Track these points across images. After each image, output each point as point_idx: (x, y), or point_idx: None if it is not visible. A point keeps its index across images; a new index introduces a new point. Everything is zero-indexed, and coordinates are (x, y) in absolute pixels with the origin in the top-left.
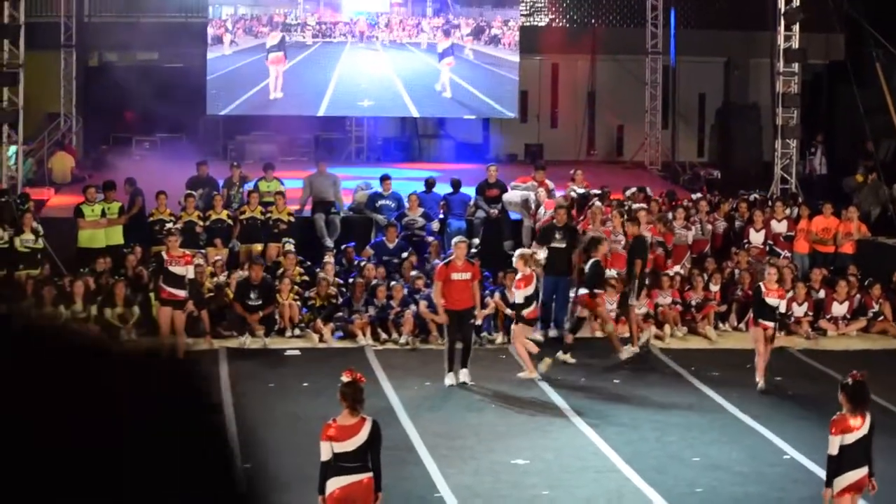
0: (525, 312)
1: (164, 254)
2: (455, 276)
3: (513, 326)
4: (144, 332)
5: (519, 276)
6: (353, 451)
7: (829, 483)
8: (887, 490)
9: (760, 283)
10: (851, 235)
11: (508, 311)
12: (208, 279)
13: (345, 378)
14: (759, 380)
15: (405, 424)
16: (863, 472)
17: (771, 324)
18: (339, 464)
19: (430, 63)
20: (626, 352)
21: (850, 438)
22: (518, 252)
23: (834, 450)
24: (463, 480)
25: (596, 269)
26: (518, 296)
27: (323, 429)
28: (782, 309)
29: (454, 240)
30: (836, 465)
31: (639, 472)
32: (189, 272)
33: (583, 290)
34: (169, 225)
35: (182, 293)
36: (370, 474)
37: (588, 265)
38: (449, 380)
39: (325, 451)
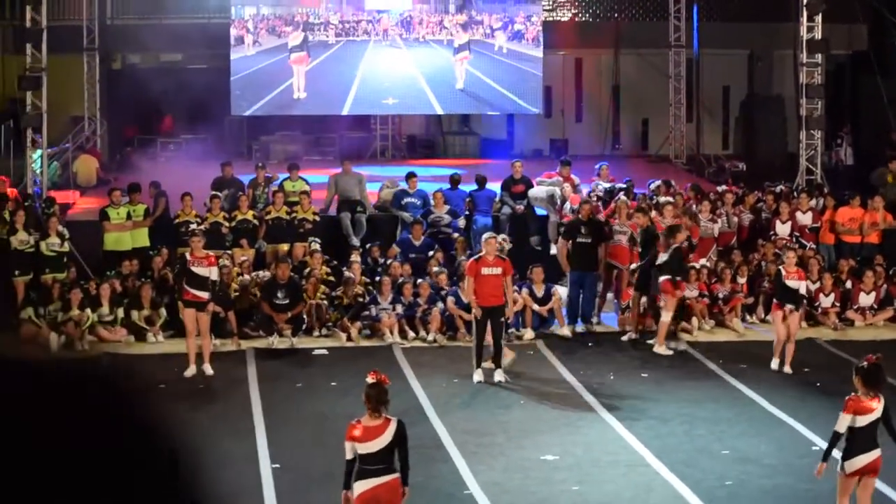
0: None
1: (187, 255)
2: (485, 270)
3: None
4: (171, 335)
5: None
6: (378, 451)
7: (825, 458)
8: None
9: (780, 268)
10: (877, 225)
11: (536, 307)
12: (235, 279)
13: (369, 379)
14: (775, 361)
15: (434, 422)
16: (875, 454)
17: (792, 306)
18: (364, 466)
19: (451, 59)
20: (663, 348)
21: (862, 421)
22: (486, 235)
23: (840, 427)
24: (492, 477)
25: (677, 256)
26: None
27: (348, 429)
28: (803, 291)
29: (484, 235)
30: (846, 446)
31: (668, 465)
32: (213, 273)
33: (664, 277)
34: (193, 226)
35: (205, 294)
36: (396, 475)
37: (668, 252)
38: (477, 376)
39: (349, 450)
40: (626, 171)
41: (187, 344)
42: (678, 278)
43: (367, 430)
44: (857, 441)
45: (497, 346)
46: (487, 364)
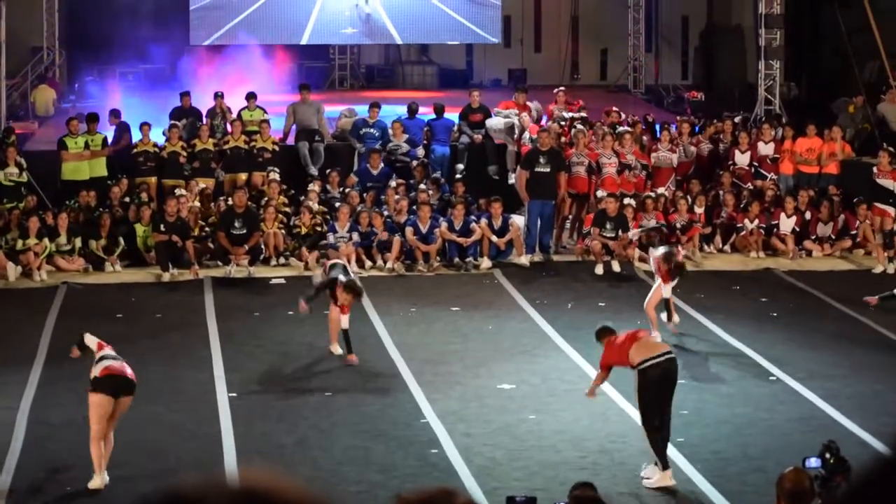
0: None
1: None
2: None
3: None
4: (129, 264)
5: None
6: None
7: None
8: (869, 401)
9: (874, 168)
10: (835, 156)
11: (494, 238)
12: (213, 211)
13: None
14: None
15: (390, 351)
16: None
17: (890, 209)
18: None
19: None
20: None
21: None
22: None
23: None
24: (448, 406)
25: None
26: None
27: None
28: None
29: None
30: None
31: (624, 394)
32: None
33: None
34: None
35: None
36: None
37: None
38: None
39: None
40: (586, 102)
41: (92, 450)
42: None
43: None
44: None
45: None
46: None
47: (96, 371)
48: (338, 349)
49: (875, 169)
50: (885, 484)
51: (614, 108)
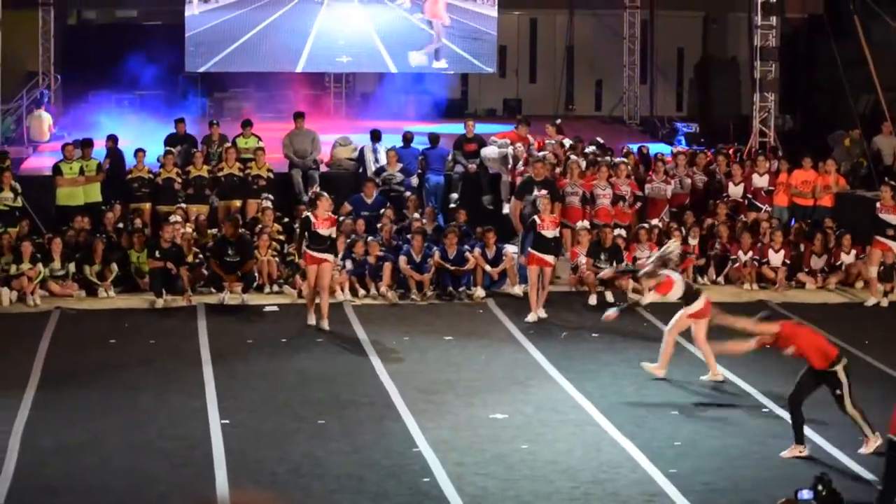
0: None
1: None
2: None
3: None
4: (122, 290)
5: None
6: (323, 237)
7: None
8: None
9: (878, 203)
10: (830, 188)
11: (488, 268)
12: (210, 237)
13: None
14: (872, 300)
15: (384, 380)
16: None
17: (892, 243)
18: (312, 244)
19: (406, 17)
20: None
21: (549, 233)
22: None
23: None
24: (441, 435)
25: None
26: None
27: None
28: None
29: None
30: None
31: (617, 425)
32: None
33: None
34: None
35: None
36: (332, 257)
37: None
38: None
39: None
40: (580, 133)
41: None
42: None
43: (320, 219)
44: (540, 245)
45: None
46: None
47: None
48: (313, 319)
49: (878, 204)
50: None
51: (582, 138)
